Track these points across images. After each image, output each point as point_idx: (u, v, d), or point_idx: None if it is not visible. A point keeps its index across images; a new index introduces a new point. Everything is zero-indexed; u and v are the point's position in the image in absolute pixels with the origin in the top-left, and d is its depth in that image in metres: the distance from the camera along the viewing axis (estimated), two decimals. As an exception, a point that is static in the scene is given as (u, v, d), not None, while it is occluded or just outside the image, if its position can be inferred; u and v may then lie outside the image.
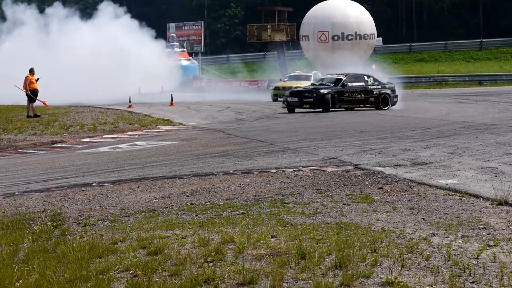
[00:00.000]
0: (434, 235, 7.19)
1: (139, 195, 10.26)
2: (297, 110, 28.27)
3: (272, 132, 19.39)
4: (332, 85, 28.66)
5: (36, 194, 10.68)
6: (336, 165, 12.24)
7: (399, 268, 6.06)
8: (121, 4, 55.44)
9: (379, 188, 9.97)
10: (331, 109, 27.72)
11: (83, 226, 8.32)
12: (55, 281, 6.06)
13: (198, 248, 6.87)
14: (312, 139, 16.93)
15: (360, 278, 5.82)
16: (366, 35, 42.27)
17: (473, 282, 5.70)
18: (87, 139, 19.87)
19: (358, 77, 29.19)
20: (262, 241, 6.97)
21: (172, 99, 33.74)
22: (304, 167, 12.16)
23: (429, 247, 6.71)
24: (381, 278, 5.82)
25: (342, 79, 28.70)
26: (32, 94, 27.09)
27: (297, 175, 11.34)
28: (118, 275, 6.24)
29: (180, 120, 25.01)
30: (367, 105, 28.73)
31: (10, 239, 7.79)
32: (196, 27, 62.84)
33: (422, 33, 77.51)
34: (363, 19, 42.71)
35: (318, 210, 8.61)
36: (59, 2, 51.02)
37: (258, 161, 13.17)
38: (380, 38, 57.80)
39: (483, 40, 71.28)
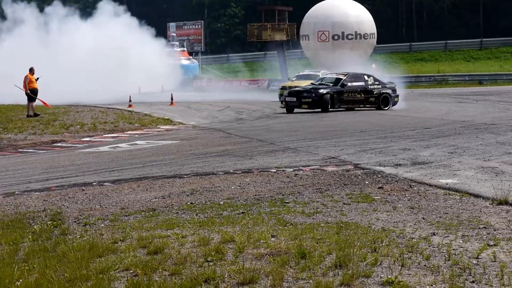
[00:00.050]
0: (434, 234, 7.19)
1: (139, 194, 10.27)
2: (297, 109, 28.03)
3: (272, 132, 19.39)
4: (331, 85, 28.20)
5: (36, 193, 10.68)
6: (336, 165, 12.24)
7: (399, 267, 6.06)
8: (120, 3, 55.41)
9: (379, 188, 9.97)
10: (330, 109, 27.29)
11: (83, 226, 8.32)
12: (55, 281, 6.06)
13: (198, 248, 6.87)
14: (312, 138, 16.93)
15: (360, 278, 5.82)
16: (366, 35, 42.29)
17: (473, 282, 5.70)
18: (87, 139, 19.87)
19: (358, 77, 28.67)
20: (262, 241, 6.97)
21: (172, 99, 33.74)
22: (304, 166, 12.16)
23: (429, 246, 6.71)
24: (381, 277, 5.82)
25: (342, 78, 28.24)
26: (32, 94, 27.10)
27: (297, 174, 11.34)
28: (118, 274, 6.24)
29: (180, 120, 25.00)
30: (367, 105, 28.28)
31: (10, 238, 7.79)
32: (196, 26, 62.82)
33: (422, 33, 77.49)
34: (363, 19, 42.73)
35: (318, 209, 8.61)
36: (59, 1, 50.99)
37: (258, 161, 13.17)
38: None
39: (483, 39, 71.28)
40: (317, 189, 10.05)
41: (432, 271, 5.97)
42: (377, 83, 28.66)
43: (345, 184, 10.35)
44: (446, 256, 6.37)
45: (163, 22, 65.78)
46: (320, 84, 28.80)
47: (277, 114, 27.20)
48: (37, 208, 9.51)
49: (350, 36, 41.86)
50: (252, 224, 7.82)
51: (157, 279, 6.01)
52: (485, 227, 7.47)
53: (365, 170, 11.52)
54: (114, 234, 7.68)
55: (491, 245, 6.72)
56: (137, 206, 9.36)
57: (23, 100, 28.18)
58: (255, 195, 9.72)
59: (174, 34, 59.02)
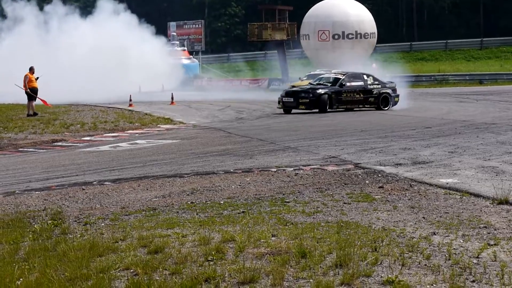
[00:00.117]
0: (434, 234, 7.19)
1: (139, 193, 10.27)
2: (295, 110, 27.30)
3: (272, 131, 19.39)
4: (329, 84, 27.52)
5: (37, 192, 10.68)
6: (336, 164, 12.24)
7: (400, 267, 6.06)
8: (120, 1, 55.35)
9: (380, 187, 9.97)
10: (328, 110, 26.62)
11: (83, 225, 8.32)
12: (55, 280, 6.06)
13: (199, 247, 6.88)
14: (313, 137, 16.93)
15: (360, 277, 5.82)
16: (366, 34, 42.33)
17: (473, 281, 5.70)
18: (88, 138, 19.88)
19: (357, 76, 28.01)
20: (262, 240, 6.97)
21: (172, 98, 33.74)
22: (305, 166, 12.16)
23: (429, 246, 6.71)
24: (381, 277, 5.82)
25: (340, 78, 27.59)
26: (32, 93, 27.11)
27: (297, 174, 11.34)
28: (118, 273, 6.24)
29: (180, 119, 25.00)
30: (366, 106, 27.62)
31: (11, 237, 7.79)
32: (197, 25, 62.84)
33: (422, 32, 77.51)
34: (363, 18, 42.77)
35: (319, 209, 8.61)
36: (59, 0, 50.95)
37: (258, 160, 13.17)
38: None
39: (484, 39, 71.30)
40: (317, 188, 10.05)
41: (433, 270, 5.97)
42: (376, 82, 27.98)
43: (345, 184, 10.35)
44: (447, 255, 6.37)
45: (163, 21, 65.81)
46: (318, 84, 28.12)
47: (277, 114, 27.17)
48: (37, 207, 9.51)
49: (350, 36, 41.89)
50: (253, 223, 7.82)
51: (158, 278, 6.01)
52: (485, 227, 7.47)
53: (366, 170, 11.52)
54: (114, 233, 7.68)
55: (492, 245, 6.72)
56: (137, 206, 9.36)
57: (24, 99, 28.19)
58: (256, 195, 9.72)
59: (175, 34, 59.03)
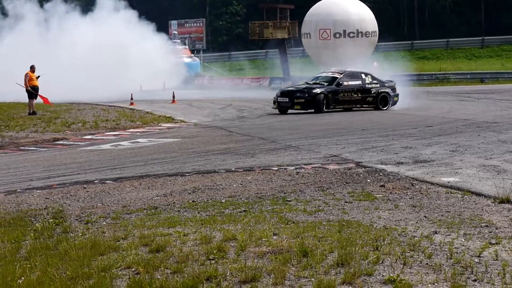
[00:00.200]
0: (436, 233, 7.19)
1: (141, 192, 10.27)
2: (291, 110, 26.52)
3: (274, 130, 19.39)
4: (326, 84, 26.59)
5: (38, 191, 10.69)
6: (338, 163, 12.24)
7: (401, 266, 6.06)
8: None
9: (381, 186, 9.97)
10: (325, 110, 25.72)
11: (85, 224, 8.32)
12: (57, 278, 6.06)
13: (200, 246, 6.88)
14: (314, 136, 16.93)
15: (362, 276, 5.82)
16: (367, 33, 42.25)
17: (475, 280, 5.70)
18: (89, 136, 19.87)
19: (354, 75, 26.96)
20: (264, 239, 6.98)
21: (174, 97, 33.72)
22: (306, 164, 12.16)
23: (431, 245, 6.71)
24: (383, 276, 5.82)
25: (337, 77, 26.65)
26: (32, 91, 27.10)
27: (299, 172, 11.34)
28: (120, 272, 6.25)
29: (182, 118, 24.98)
30: (364, 105, 26.69)
31: (12, 236, 7.79)
32: (198, 24, 62.79)
33: (423, 31, 77.41)
34: (364, 17, 42.70)
35: (320, 207, 8.61)
36: (60, -1, 50.95)
37: (260, 159, 13.17)
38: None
39: (485, 38, 71.20)
40: (319, 187, 10.05)
41: (434, 269, 5.97)
42: (375, 81, 27.10)
43: (347, 182, 10.35)
44: (448, 254, 6.37)
45: (164, 20, 65.74)
46: (314, 83, 27.04)
47: (277, 113, 27.10)
48: (38, 206, 9.52)
49: (351, 34, 41.83)
50: (254, 222, 7.82)
51: (159, 277, 6.01)
52: (487, 226, 7.47)
53: (367, 168, 11.52)
54: (116, 232, 7.69)
55: (493, 244, 6.72)
56: (138, 204, 9.37)
57: (25, 97, 28.18)
58: (257, 193, 9.73)
59: (176, 32, 59.01)
